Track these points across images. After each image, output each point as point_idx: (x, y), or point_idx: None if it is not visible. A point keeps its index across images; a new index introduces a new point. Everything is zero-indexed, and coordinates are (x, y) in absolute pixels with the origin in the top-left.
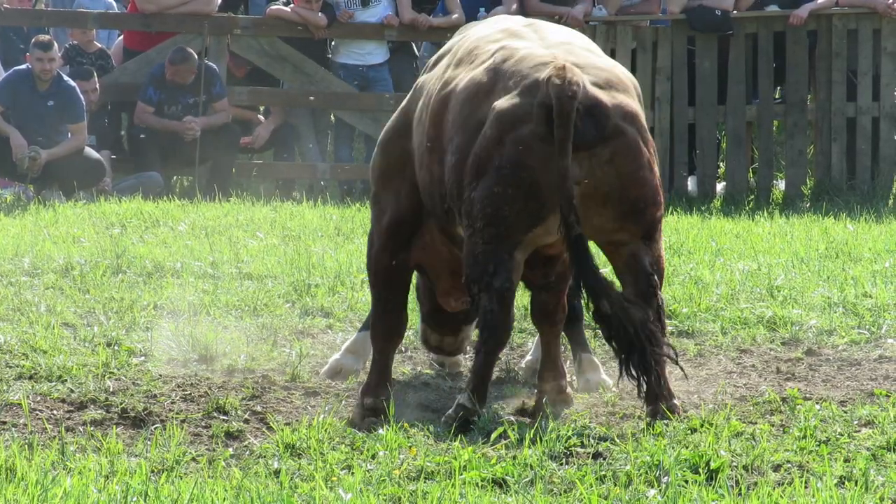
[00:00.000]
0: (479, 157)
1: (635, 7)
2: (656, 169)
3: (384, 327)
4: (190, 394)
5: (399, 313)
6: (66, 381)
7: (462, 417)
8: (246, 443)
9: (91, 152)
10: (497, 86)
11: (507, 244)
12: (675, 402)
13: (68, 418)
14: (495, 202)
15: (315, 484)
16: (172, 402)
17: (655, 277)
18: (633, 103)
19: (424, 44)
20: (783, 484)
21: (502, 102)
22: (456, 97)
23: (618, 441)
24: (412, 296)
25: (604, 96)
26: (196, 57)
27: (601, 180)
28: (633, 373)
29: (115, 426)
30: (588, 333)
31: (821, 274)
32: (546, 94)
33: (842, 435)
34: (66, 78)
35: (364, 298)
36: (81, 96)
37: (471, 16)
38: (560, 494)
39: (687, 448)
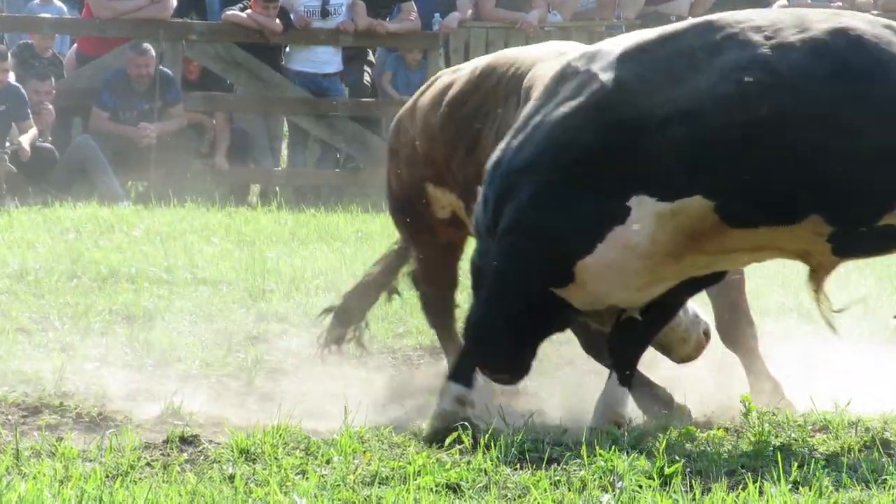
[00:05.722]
0: None
1: (590, 13)
2: None
3: None
4: (145, 399)
5: None
6: (20, 385)
7: None
8: (201, 448)
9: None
10: None
11: None
12: None
13: (23, 423)
14: None
15: (270, 489)
16: (127, 408)
17: None
18: None
19: (379, 50)
20: (737, 489)
21: None
22: None
23: (572, 446)
24: None
25: None
26: (152, 50)
27: None
28: None
29: (70, 431)
30: None
31: (775, 279)
32: None
33: (796, 440)
34: (12, 81)
35: (317, 303)
36: (25, 94)
37: (426, 21)
38: (514, 500)
39: (641, 453)
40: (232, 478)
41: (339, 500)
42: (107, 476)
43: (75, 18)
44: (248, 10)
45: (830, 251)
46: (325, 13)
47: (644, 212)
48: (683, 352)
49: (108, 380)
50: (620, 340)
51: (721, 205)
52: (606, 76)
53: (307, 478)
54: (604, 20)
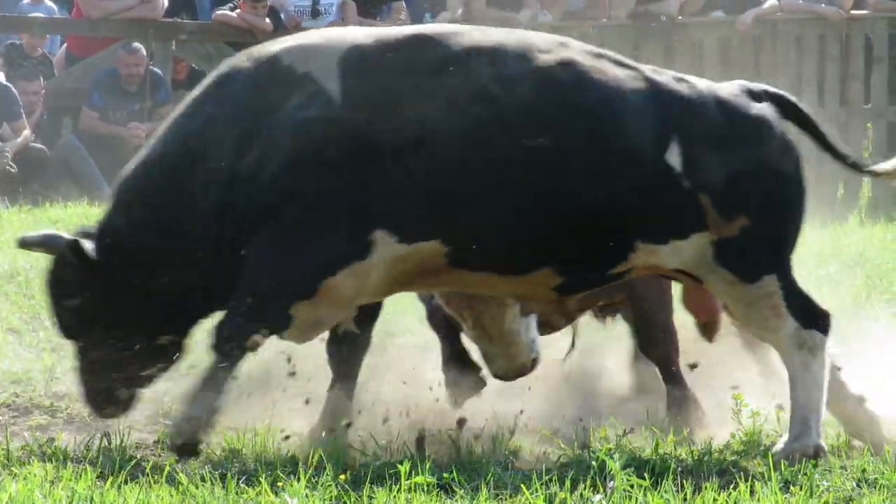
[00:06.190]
0: None
1: (581, 12)
2: None
3: None
4: (136, 399)
5: None
6: (11, 386)
7: None
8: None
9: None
10: None
11: None
12: None
13: (13, 423)
14: None
15: (261, 488)
16: None
17: None
18: None
19: None
20: (728, 488)
21: None
22: None
23: (564, 446)
24: None
25: None
26: (143, 49)
27: None
28: None
29: (60, 431)
30: None
31: None
32: None
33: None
34: (2, 81)
35: None
36: (16, 93)
37: (417, 21)
38: (505, 499)
39: (632, 453)
40: (223, 477)
41: (331, 499)
42: (98, 476)
43: (65, 18)
44: (238, 10)
45: (552, 291)
46: (315, 13)
47: (384, 251)
48: (503, 367)
49: None
50: (340, 352)
51: (454, 251)
52: (333, 87)
53: (298, 477)
54: (594, 20)
